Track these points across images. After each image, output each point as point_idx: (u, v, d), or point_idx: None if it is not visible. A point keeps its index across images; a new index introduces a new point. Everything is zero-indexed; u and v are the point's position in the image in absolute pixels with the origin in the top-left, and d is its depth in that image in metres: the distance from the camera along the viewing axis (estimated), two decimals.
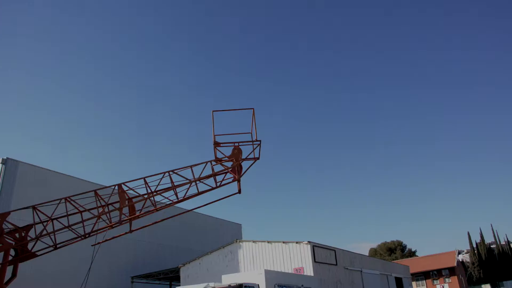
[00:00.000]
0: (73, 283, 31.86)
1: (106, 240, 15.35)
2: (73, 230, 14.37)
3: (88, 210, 14.39)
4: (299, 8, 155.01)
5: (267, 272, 19.24)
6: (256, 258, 30.60)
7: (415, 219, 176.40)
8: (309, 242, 28.97)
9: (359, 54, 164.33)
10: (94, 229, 14.01)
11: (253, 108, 15.19)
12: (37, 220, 13.99)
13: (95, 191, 14.49)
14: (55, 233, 13.88)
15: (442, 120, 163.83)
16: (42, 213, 14.39)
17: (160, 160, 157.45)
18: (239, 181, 14.89)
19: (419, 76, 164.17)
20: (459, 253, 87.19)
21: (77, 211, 14.52)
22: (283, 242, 30.09)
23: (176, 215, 17.45)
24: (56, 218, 14.04)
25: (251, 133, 15.27)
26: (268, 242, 30.77)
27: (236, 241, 32.19)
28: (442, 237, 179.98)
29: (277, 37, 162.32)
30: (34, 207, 14.25)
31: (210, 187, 14.89)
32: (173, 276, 35.78)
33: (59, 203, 14.15)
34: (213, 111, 14.82)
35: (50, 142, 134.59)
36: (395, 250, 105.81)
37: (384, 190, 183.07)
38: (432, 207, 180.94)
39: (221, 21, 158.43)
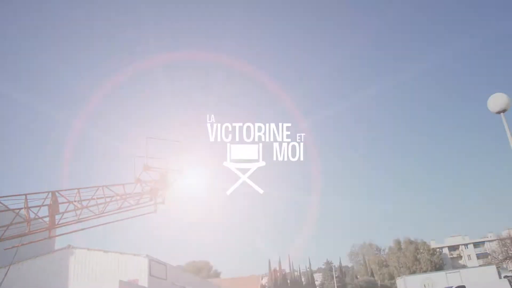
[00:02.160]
0: None
1: (23, 244, 14.89)
2: None
3: (13, 209, 13.10)
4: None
5: (121, 283, 19.49)
6: (89, 267, 29.56)
7: (222, 241, 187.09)
8: (146, 255, 29.63)
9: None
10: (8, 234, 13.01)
11: (181, 141, 16.78)
12: None
13: (25, 195, 13.94)
14: None
15: None
16: None
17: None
18: (162, 202, 16.64)
19: None
20: (263, 277, 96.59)
21: None
22: (120, 253, 29.98)
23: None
24: None
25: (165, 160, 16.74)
26: (104, 252, 30.18)
27: (69, 247, 30.44)
28: (248, 261, 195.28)
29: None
30: None
31: (130, 204, 15.92)
32: None
33: None
34: (147, 137, 16.08)
35: None
36: (203, 270, 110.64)
37: None
38: (239, 232, 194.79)
39: None
